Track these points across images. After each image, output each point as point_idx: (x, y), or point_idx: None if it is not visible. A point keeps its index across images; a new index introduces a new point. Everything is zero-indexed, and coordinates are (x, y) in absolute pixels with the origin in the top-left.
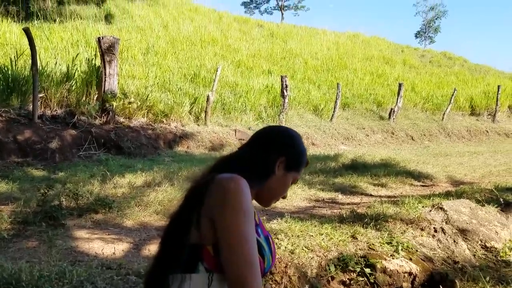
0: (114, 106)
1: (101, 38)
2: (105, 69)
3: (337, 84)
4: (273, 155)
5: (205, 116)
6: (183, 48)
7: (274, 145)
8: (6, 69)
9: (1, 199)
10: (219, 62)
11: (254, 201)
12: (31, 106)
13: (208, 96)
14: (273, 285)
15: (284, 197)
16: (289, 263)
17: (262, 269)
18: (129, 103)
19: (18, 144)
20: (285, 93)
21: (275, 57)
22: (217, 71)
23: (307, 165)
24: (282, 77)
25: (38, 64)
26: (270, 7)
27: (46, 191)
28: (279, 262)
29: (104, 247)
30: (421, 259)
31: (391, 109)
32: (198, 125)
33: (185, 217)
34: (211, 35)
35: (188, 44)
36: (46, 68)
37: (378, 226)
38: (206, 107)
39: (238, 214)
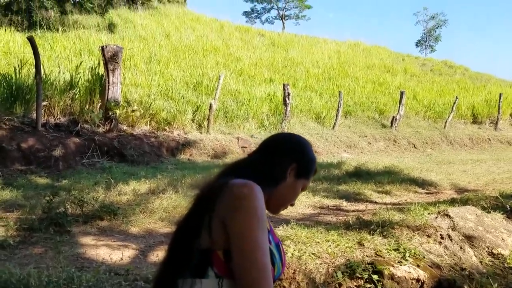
0: (117, 114)
1: (105, 46)
2: (108, 78)
3: (339, 92)
4: (285, 161)
5: (207, 124)
6: (185, 57)
7: (286, 151)
8: (9, 77)
9: (6, 207)
10: (221, 70)
11: None
12: (35, 114)
13: (210, 104)
14: None
15: (292, 205)
16: (297, 269)
17: (272, 276)
18: (132, 111)
19: (22, 152)
20: (287, 101)
21: (276, 66)
22: (219, 79)
23: (315, 173)
24: (284, 85)
25: (42, 73)
26: (271, 17)
27: (51, 198)
28: (288, 268)
29: (111, 253)
30: (429, 265)
31: (393, 117)
32: (201, 133)
33: (196, 222)
34: (213, 44)
35: (190, 53)
36: (49, 77)
37: (385, 233)
38: (209, 115)
39: (252, 220)
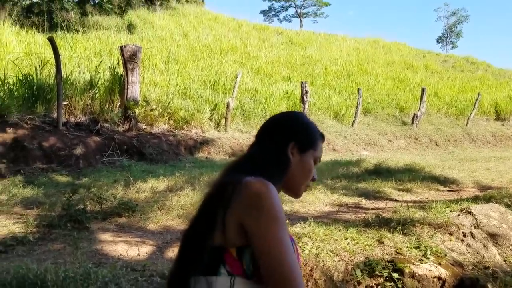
0: (137, 113)
1: (124, 46)
2: (127, 77)
3: (358, 89)
4: (281, 144)
5: (225, 123)
6: (203, 56)
7: (278, 134)
8: (31, 78)
9: (27, 204)
10: (239, 69)
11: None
12: (56, 114)
13: (228, 103)
14: None
15: (313, 180)
16: (315, 267)
17: None
18: (151, 110)
19: (43, 150)
20: (305, 99)
21: (294, 64)
22: (236, 77)
23: (324, 138)
24: (302, 83)
25: (62, 73)
26: (289, 15)
27: (71, 195)
28: (305, 266)
29: (128, 249)
30: (451, 263)
31: (414, 114)
32: (219, 131)
33: (210, 219)
34: (230, 43)
35: (208, 52)
36: (70, 77)
37: (405, 230)
38: (226, 113)
39: (275, 221)
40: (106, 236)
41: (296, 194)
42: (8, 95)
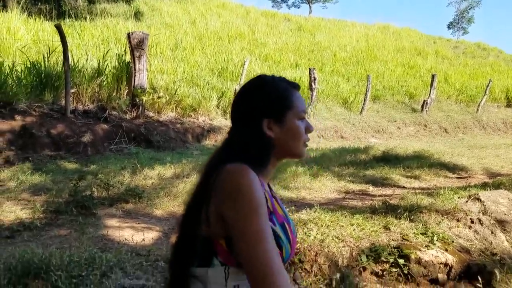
0: (144, 100)
1: (131, 33)
2: (134, 65)
3: (367, 76)
4: (254, 125)
5: None
6: (210, 43)
7: (247, 114)
8: (39, 65)
9: (35, 190)
10: (246, 56)
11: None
12: (64, 101)
13: (235, 90)
14: (303, 274)
15: (310, 132)
16: (319, 252)
17: (282, 259)
18: (158, 97)
19: (51, 138)
20: (313, 86)
21: (302, 50)
22: (244, 64)
23: (297, 87)
24: (310, 69)
25: (70, 60)
26: (298, 1)
27: (78, 181)
28: (309, 251)
29: (134, 234)
30: (458, 250)
31: (424, 101)
32: (226, 119)
33: (195, 211)
34: (238, 30)
35: (215, 39)
36: (77, 64)
37: (412, 217)
38: None
39: (251, 212)
40: (112, 222)
41: (297, 156)
42: (17, 82)
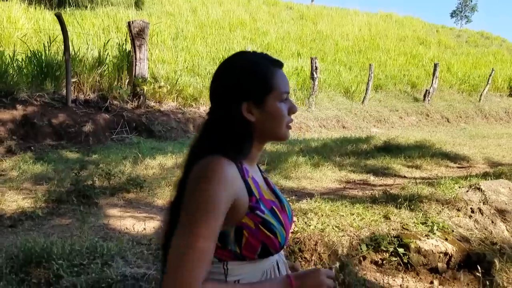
0: (145, 90)
1: (131, 22)
2: (135, 54)
3: (370, 65)
4: (232, 110)
5: None
6: (211, 32)
7: (224, 98)
8: (39, 54)
9: (36, 180)
10: (248, 45)
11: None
12: (65, 91)
13: None
14: (303, 263)
15: (294, 112)
16: (319, 241)
17: (278, 244)
18: (159, 87)
19: (53, 127)
20: (315, 76)
21: (304, 39)
22: None
23: (278, 64)
24: (312, 59)
25: (71, 50)
26: None
27: (80, 171)
28: (309, 240)
29: (136, 224)
30: (457, 239)
31: (426, 90)
32: None
33: (175, 213)
34: (239, 19)
35: (216, 28)
36: (78, 54)
37: (412, 206)
38: None
39: (199, 210)
40: (114, 211)
41: (280, 139)
42: (17, 72)
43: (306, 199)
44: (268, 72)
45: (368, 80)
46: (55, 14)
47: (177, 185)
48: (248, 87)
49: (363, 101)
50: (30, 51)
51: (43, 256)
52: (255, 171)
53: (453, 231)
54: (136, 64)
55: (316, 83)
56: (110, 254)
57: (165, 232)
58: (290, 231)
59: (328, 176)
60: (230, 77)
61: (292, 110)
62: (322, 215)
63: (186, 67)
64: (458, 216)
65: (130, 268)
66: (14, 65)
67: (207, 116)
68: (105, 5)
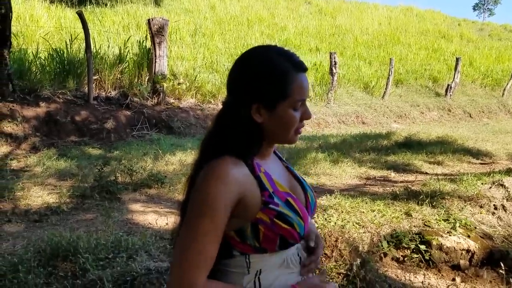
0: (165, 87)
1: (151, 20)
2: (155, 51)
3: (390, 59)
4: (244, 105)
5: None
6: (230, 28)
7: (237, 94)
8: (62, 52)
9: (60, 176)
10: (266, 41)
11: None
12: (86, 88)
13: None
14: (323, 259)
15: (307, 119)
16: (340, 238)
17: (296, 234)
18: (179, 84)
19: (76, 124)
20: (334, 71)
21: (323, 34)
22: None
23: (302, 68)
24: (331, 53)
25: (92, 47)
26: None
27: (103, 167)
28: (329, 236)
29: (158, 219)
30: (480, 236)
31: (448, 85)
32: None
33: (184, 211)
34: (257, 14)
35: (235, 24)
36: (99, 51)
37: (434, 203)
38: None
39: (202, 205)
40: (136, 206)
41: (285, 143)
42: (40, 70)
43: (326, 196)
44: (287, 78)
45: (389, 75)
46: (77, 12)
47: (187, 183)
48: (262, 89)
49: (383, 96)
50: (53, 49)
51: (69, 250)
52: (270, 162)
53: (475, 228)
54: (155, 61)
55: (335, 78)
56: (134, 248)
57: (175, 231)
58: (313, 217)
59: (347, 173)
60: (246, 74)
61: (305, 116)
62: (342, 212)
63: (205, 64)
64: (480, 213)
65: (153, 262)
66: (37, 63)
67: (222, 105)
68: (124, 3)
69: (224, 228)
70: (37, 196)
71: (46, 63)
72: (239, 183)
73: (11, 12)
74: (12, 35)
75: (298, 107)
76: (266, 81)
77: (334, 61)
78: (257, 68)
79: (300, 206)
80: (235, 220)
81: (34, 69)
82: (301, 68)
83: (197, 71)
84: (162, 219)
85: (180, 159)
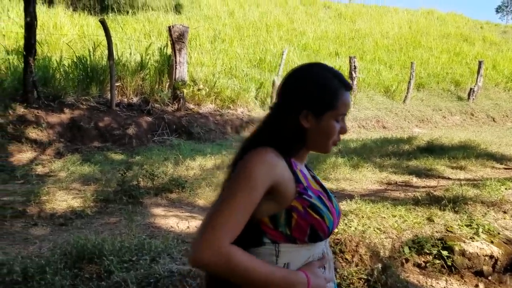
0: (185, 93)
1: (172, 27)
2: (175, 57)
3: (411, 63)
4: (292, 114)
5: (270, 101)
6: (248, 34)
7: (289, 100)
8: (85, 59)
9: (84, 180)
10: (285, 46)
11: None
12: (109, 95)
13: (273, 81)
14: (344, 264)
15: (343, 133)
16: (361, 243)
17: (326, 228)
18: (198, 90)
19: (99, 130)
20: (354, 75)
21: (342, 38)
22: (282, 55)
23: (348, 87)
24: (350, 58)
25: (114, 54)
26: None
27: (125, 172)
28: (350, 241)
29: (179, 222)
30: (504, 242)
31: (471, 88)
32: (264, 110)
33: None
34: (276, 20)
35: (253, 29)
36: (121, 58)
37: (457, 208)
38: (272, 91)
39: (241, 179)
40: (158, 210)
41: (322, 152)
42: (64, 77)
43: (346, 201)
44: (338, 92)
45: (410, 79)
46: (99, 20)
47: (231, 165)
48: (315, 98)
49: (404, 101)
50: (76, 56)
51: (94, 253)
52: (302, 168)
53: (499, 233)
54: (176, 68)
55: (355, 82)
56: (157, 251)
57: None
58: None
59: (368, 178)
60: (303, 83)
61: (342, 130)
62: (363, 217)
63: (224, 70)
64: (504, 219)
65: (176, 264)
66: (61, 70)
67: (269, 109)
68: (145, 10)
69: (255, 207)
70: (62, 200)
71: (70, 70)
72: (278, 170)
73: (36, 20)
74: (36, 43)
75: (339, 120)
76: (320, 92)
77: (354, 65)
78: (314, 80)
79: (330, 204)
80: (271, 204)
81: (58, 76)
82: (348, 87)
83: (216, 76)
84: (183, 223)
85: (200, 164)
